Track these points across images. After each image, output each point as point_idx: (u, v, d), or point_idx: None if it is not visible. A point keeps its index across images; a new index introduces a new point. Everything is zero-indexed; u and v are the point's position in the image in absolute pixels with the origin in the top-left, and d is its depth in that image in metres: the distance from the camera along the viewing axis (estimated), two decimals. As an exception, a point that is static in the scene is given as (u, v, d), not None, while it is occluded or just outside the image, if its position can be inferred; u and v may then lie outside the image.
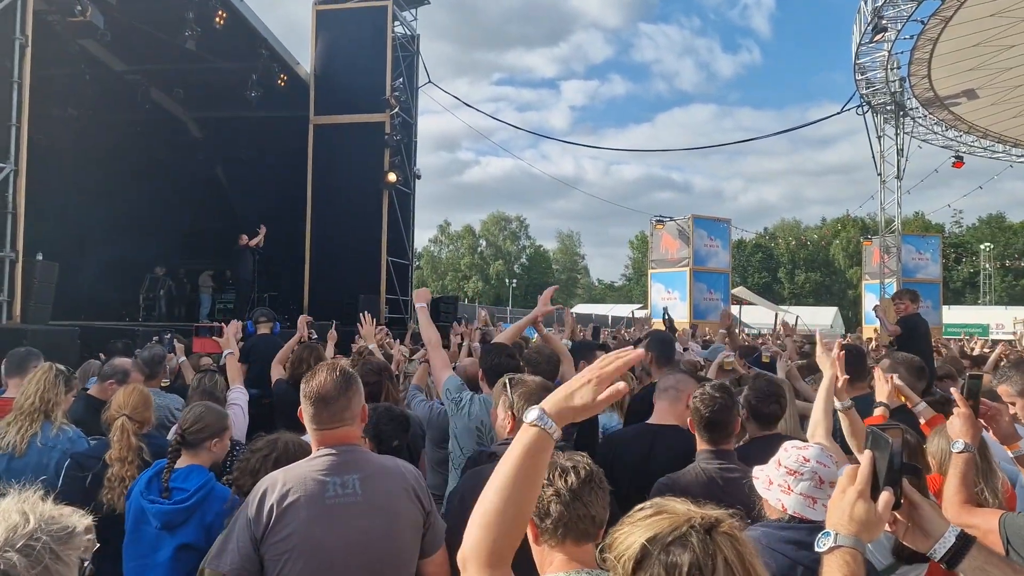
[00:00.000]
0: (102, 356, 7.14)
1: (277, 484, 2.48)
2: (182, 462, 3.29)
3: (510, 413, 3.08)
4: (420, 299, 4.89)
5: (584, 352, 5.92)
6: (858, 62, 22.27)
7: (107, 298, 17.49)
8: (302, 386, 2.64)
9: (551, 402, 1.55)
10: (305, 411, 2.61)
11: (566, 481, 1.96)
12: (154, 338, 9.06)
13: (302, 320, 6.61)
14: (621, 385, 1.52)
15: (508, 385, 3.16)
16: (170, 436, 3.40)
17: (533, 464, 1.51)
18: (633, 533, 1.42)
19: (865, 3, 19.38)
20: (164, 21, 14.96)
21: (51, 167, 15.94)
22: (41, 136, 14.26)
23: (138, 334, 10.40)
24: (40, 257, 10.49)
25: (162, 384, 5.56)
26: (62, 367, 4.26)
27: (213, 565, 2.44)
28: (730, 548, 1.37)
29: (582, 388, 1.54)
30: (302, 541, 2.40)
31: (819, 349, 3.57)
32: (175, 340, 7.46)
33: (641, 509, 1.48)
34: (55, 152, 17.43)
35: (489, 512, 1.50)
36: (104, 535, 3.27)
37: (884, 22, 18.72)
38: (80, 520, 1.35)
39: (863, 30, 19.92)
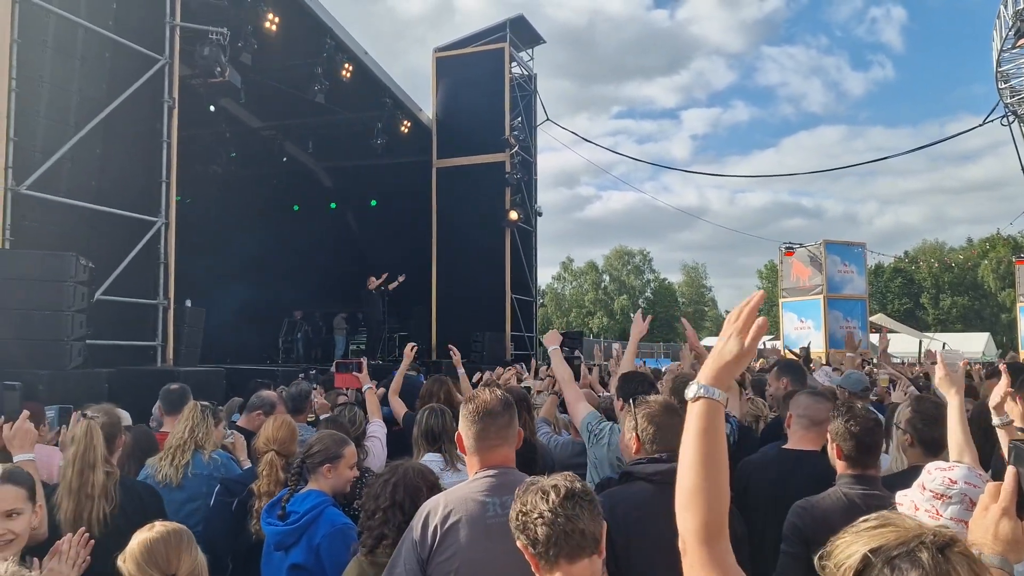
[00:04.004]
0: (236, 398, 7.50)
1: (439, 506, 2.53)
2: (305, 488, 3.39)
3: (635, 435, 3.06)
4: (551, 342, 4.92)
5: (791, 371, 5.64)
6: (1000, 70, 20.99)
7: (249, 341, 18.48)
8: (462, 409, 2.70)
9: (705, 371, 1.57)
10: (469, 431, 2.65)
11: (548, 501, 2.01)
12: (300, 375, 9.49)
13: (408, 348, 6.81)
14: (761, 320, 1.57)
15: (632, 405, 3.16)
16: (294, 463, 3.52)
17: (711, 435, 1.53)
18: (856, 543, 1.32)
19: (1005, 7, 18.33)
20: (295, 77, 15.95)
21: (197, 220, 17.13)
22: (187, 191, 15.36)
23: (277, 375, 10.89)
24: (189, 304, 11.20)
25: (308, 419, 5.76)
26: (206, 402, 4.50)
27: None
28: (967, 570, 1.23)
29: (729, 342, 1.56)
30: (465, 562, 2.44)
31: (939, 371, 3.31)
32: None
33: (865, 520, 1.39)
34: (200, 205, 18.74)
35: (687, 491, 1.52)
36: (253, 561, 3.44)
37: (1028, 25, 17.59)
38: None
39: (1004, 35, 18.80)
